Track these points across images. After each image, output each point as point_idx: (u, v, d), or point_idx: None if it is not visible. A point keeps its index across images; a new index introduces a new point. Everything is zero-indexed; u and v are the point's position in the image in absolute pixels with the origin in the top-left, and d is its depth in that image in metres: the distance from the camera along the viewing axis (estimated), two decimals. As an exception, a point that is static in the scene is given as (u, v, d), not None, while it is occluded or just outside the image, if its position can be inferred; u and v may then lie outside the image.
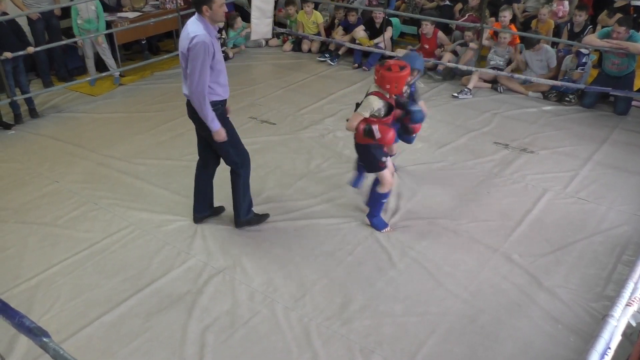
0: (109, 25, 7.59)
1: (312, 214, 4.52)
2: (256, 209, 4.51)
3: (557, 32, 7.37)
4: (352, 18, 8.18)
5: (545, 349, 3.24)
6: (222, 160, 4.17)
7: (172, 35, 8.80)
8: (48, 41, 7.16)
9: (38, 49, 6.63)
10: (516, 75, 6.83)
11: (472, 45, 7.15)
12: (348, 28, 8.27)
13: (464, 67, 7.06)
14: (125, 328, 3.41)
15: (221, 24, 8.04)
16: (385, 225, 4.31)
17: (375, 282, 3.77)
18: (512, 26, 7.37)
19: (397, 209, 4.56)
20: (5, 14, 6.18)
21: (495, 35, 7.26)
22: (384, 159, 4.06)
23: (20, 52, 6.18)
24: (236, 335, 3.35)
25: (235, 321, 3.45)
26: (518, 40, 7.18)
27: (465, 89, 6.87)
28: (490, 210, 4.56)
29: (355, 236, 4.24)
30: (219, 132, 3.82)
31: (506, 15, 7.12)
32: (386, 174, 4.09)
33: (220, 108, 3.85)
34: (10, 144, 5.90)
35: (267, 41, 8.94)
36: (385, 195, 4.22)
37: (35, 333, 1.61)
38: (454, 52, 7.48)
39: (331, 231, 4.31)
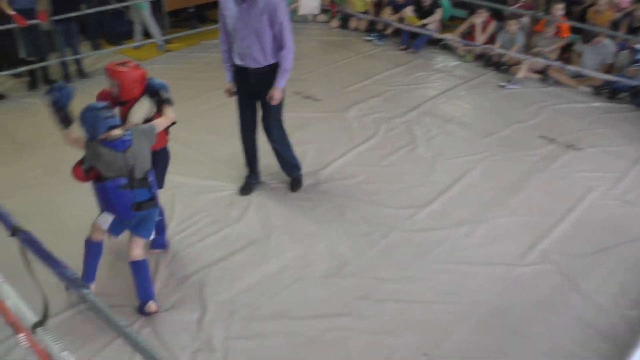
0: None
1: (349, 194, 4.50)
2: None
3: (614, 25, 7.06)
4: (400, -1, 8.03)
5: (574, 353, 3.16)
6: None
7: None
8: (98, 5, 7.25)
9: (89, 11, 6.74)
10: (567, 67, 6.59)
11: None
12: (397, 8, 8.11)
13: (514, 54, 6.86)
14: (158, 288, 3.48)
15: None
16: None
17: (408, 267, 3.74)
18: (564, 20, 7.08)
19: (436, 197, 4.49)
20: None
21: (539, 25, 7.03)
22: None
23: (73, 14, 6.29)
24: (264, 306, 3.38)
25: (265, 292, 3.48)
26: (566, 34, 6.92)
27: (514, 79, 6.68)
28: (531, 205, 4.45)
29: (392, 219, 4.20)
30: (281, 91, 4.02)
31: (559, 8, 6.86)
32: None
33: None
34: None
35: (314, 16, 8.87)
36: None
37: (76, 284, 1.65)
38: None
39: (368, 212, 4.28)
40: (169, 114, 3.24)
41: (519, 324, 3.33)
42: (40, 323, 1.84)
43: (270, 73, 3.97)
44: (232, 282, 3.56)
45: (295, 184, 4.53)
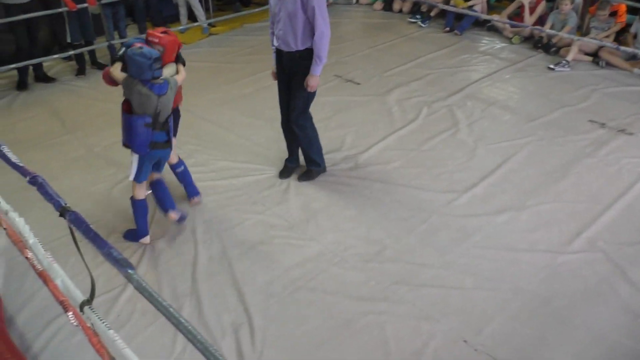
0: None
1: (388, 178, 4.47)
2: (333, 168, 4.53)
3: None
4: (447, -21, 7.85)
5: (620, 343, 3.07)
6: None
7: (264, -13, 8.80)
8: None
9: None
10: (622, 48, 6.31)
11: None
12: (443, -11, 7.94)
13: (565, 35, 6.62)
14: (199, 269, 3.56)
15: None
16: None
17: (448, 252, 3.70)
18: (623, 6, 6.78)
19: (478, 182, 4.41)
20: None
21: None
22: None
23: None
24: (302, 289, 3.41)
25: (304, 276, 3.51)
26: (623, 18, 6.62)
27: (563, 61, 6.46)
28: (577, 191, 4.32)
29: (432, 204, 4.16)
30: (316, 78, 3.97)
31: None
32: None
33: None
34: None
35: (357, -1, 8.78)
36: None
37: (122, 264, 1.70)
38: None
39: (407, 197, 4.25)
40: (183, 72, 3.67)
41: (562, 313, 3.25)
42: (87, 302, 1.90)
43: (301, 59, 3.93)
44: (271, 264, 3.60)
45: (304, 173, 4.46)
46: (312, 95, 4.12)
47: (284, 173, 4.50)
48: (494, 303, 3.31)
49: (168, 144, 3.57)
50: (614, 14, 6.70)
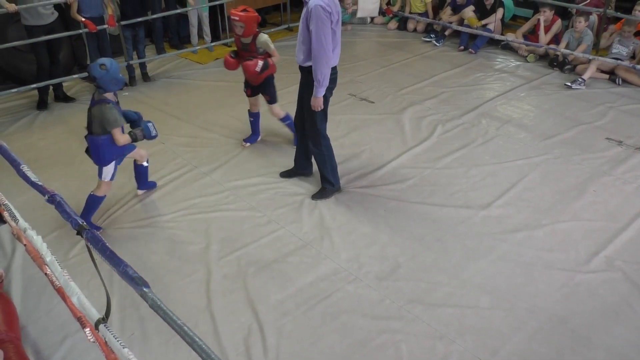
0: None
1: (403, 196, 4.47)
2: (348, 186, 4.54)
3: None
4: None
5: (640, 363, 3.03)
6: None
7: (280, 8, 8.92)
8: (163, 10, 7.52)
9: (155, 16, 7.01)
10: (638, 67, 6.28)
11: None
12: (456, 9, 7.98)
13: (580, 55, 6.60)
14: (213, 287, 3.57)
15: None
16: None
17: (463, 270, 3.68)
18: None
19: (493, 200, 4.39)
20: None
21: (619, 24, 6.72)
22: None
23: (140, 19, 6.55)
24: (317, 308, 3.40)
25: (318, 294, 3.51)
26: None
27: (580, 79, 6.43)
28: (594, 209, 4.28)
29: (446, 222, 4.14)
30: (318, 100, 4.03)
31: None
32: None
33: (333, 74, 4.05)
34: (124, 104, 6.17)
35: (372, 18, 8.85)
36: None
37: (137, 282, 1.72)
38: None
39: (421, 215, 4.24)
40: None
41: (580, 332, 3.21)
42: (102, 320, 1.92)
43: (309, 74, 4.02)
44: (285, 282, 3.61)
45: (318, 191, 4.50)
46: (319, 114, 4.16)
47: (284, 173, 4.69)
48: (510, 322, 3.27)
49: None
50: (638, 33, 6.69)
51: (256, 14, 4.50)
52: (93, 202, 4.08)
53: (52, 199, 2.18)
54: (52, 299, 3.26)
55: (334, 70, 4.05)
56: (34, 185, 2.33)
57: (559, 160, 4.95)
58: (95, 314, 1.98)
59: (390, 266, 3.73)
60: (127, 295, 3.40)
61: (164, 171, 4.88)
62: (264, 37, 4.61)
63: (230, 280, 3.64)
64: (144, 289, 1.71)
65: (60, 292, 2.20)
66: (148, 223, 4.22)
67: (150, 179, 4.76)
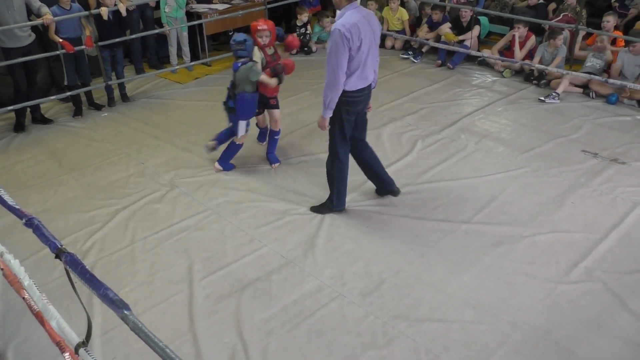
0: (199, 16, 7.85)
1: (385, 212, 4.49)
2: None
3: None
4: (436, 17, 8.01)
5: (623, 373, 3.05)
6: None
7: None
8: (142, 30, 7.52)
9: (133, 36, 7.00)
10: (611, 81, 6.43)
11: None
12: (433, 26, 8.12)
13: (554, 70, 6.75)
14: (196, 308, 3.53)
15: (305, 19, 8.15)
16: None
17: (447, 285, 3.69)
18: (618, 32, 6.97)
19: (473, 214, 4.43)
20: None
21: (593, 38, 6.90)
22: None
23: (118, 39, 6.53)
24: (302, 326, 3.38)
25: (302, 312, 3.49)
26: (622, 44, 6.79)
27: (554, 93, 6.56)
28: (573, 221, 4.34)
29: (428, 237, 4.17)
30: (323, 120, 4.09)
31: (610, 20, 6.75)
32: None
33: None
34: (103, 125, 6.26)
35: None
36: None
37: (118, 305, 1.69)
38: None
39: (404, 230, 4.26)
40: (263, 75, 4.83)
41: (563, 344, 3.23)
42: (82, 344, 1.89)
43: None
44: (269, 301, 3.58)
45: (319, 205, 4.54)
46: (337, 136, 4.17)
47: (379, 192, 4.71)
48: (495, 336, 3.29)
49: (232, 110, 4.82)
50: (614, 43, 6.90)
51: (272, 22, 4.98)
52: (234, 147, 5.05)
53: (30, 223, 2.14)
54: (31, 324, 3.19)
55: (357, 92, 4.01)
56: (10, 209, 2.29)
57: (537, 173, 5.02)
58: (75, 338, 1.94)
59: (374, 282, 3.73)
60: (108, 318, 3.34)
61: (145, 192, 4.84)
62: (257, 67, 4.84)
63: (213, 300, 3.60)
64: (125, 312, 1.68)
65: (39, 316, 2.16)
66: (129, 244, 4.17)
67: (131, 199, 4.73)
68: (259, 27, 4.78)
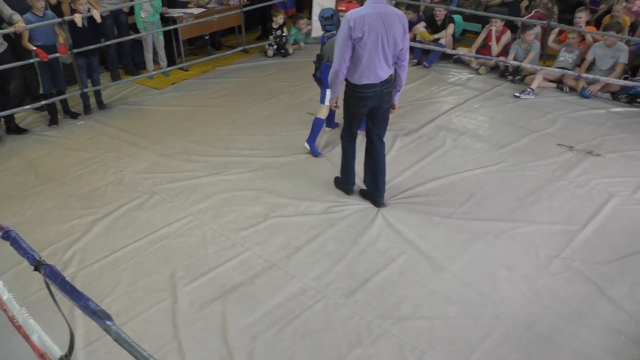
0: (174, 21, 7.81)
1: (364, 212, 4.51)
2: (310, 204, 4.56)
3: (632, 29, 7.03)
4: (409, 16, 8.05)
5: (606, 362, 3.11)
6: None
7: (234, 31, 8.95)
8: (117, 36, 7.45)
9: (108, 43, 6.93)
10: (584, 75, 6.55)
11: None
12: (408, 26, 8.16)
13: (528, 66, 6.85)
14: (180, 315, 3.51)
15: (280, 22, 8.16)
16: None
17: (429, 282, 3.72)
18: (591, 27, 7.09)
19: (453, 211, 4.48)
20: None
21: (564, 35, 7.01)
22: None
23: (93, 46, 6.46)
24: (287, 329, 3.38)
25: (287, 315, 3.49)
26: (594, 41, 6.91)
27: (528, 89, 6.66)
28: (551, 214, 4.41)
29: (408, 235, 4.19)
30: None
31: (582, 16, 6.86)
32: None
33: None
34: (80, 133, 6.18)
35: (327, 37, 8.96)
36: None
37: (99, 316, 1.68)
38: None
39: (384, 230, 4.28)
40: None
41: (546, 336, 3.28)
42: (66, 356, 1.87)
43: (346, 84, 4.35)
44: (253, 305, 3.57)
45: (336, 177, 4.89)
46: (347, 118, 4.44)
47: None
48: (478, 331, 3.32)
49: (319, 80, 5.27)
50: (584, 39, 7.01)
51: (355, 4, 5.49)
52: (318, 124, 5.28)
53: (7, 235, 2.12)
54: (13, 338, 3.14)
55: (363, 87, 4.11)
56: (-13, 222, 2.26)
57: (515, 167, 5.09)
58: (57, 351, 1.92)
59: (357, 282, 3.74)
60: (91, 330, 3.30)
61: (124, 199, 4.80)
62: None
63: (197, 307, 3.58)
64: (107, 322, 1.67)
65: (20, 330, 2.13)
66: (110, 253, 4.12)
67: (110, 207, 4.68)
68: (339, 8, 5.60)
